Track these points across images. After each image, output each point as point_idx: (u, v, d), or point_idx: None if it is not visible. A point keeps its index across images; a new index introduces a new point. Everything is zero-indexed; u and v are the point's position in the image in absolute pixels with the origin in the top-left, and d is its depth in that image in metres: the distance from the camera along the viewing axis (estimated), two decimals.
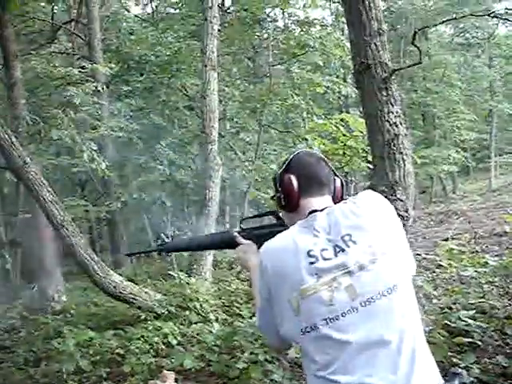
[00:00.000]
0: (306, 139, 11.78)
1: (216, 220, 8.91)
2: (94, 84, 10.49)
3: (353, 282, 1.69)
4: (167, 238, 2.45)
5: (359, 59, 4.33)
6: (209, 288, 7.75)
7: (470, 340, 4.60)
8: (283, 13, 17.04)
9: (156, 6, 20.15)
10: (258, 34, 15.89)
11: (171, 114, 14.46)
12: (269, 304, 1.83)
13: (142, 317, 6.66)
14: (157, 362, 5.61)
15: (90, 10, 14.41)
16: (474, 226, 13.08)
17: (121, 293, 6.90)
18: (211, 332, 6.32)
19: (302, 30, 15.11)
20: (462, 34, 26.28)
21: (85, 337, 6.22)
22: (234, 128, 14.79)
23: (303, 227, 1.81)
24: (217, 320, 6.86)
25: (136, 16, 19.68)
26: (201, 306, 7.04)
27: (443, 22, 10.35)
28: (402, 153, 4.19)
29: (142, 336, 6.06)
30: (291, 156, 2.03)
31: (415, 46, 5.86)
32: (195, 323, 6.71)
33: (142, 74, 14.64)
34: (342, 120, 8.96)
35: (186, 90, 14.29)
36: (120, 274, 7.57)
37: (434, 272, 8.03)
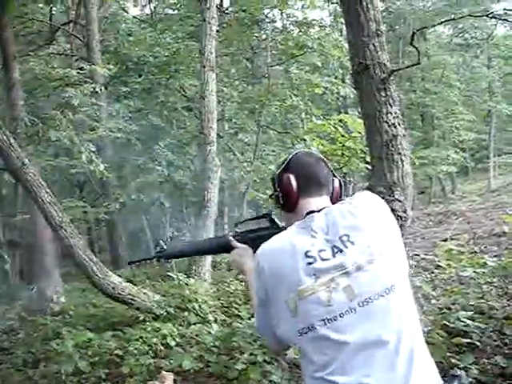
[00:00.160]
0: (305, 140, 11.78)
1: (215, 221, 8.90)
2: (93, 85, 10.49)
3: (351, 283, 1.69)
4: (165, 244, 2.45)
5: (357, 60, 4.33)
6: (208, 289, 7.75)
7: (469, 340, 4.61)
8: (282, 14, 17.03)
9: (154, 7, 20.14)
10: (256, 34, 15.89)
11: (170, 114, 14.46)
12: (266, 305, 1.83)
13: (141, 318, 6.65)
14: (155, 362, 5.60)
15: (88, 12, 14.42)
16: (472, 226, 13.11)
17: (119, 294, 6.89)
18: (210, 333, 6.32)
19: (300, 31, 15.11)
20: (460, 35, 26.28)
21: (83, 338, 6.21)
22: (232, 129, 14.79)
23: (301, 228, 1.81)
24: (216, 321, 6.86)
25: (134, 17, 19.68)
26: (200, 306, 7.03)
27: (442, 22, 10.36)
28: (400, 153, 4.19)
29: (141, 337, 6.06)
30: (290, 156, 2.04)
31: (414, 46, 5.86)
32: (194, 324, 6.70)
33: (140, 75, 14.65)
34: (340, 121, 8.97)
35: (184, 90, 14.29)
36: (119, 275, 7.55)
37: (432, 272, 8.04)
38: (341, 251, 1.72)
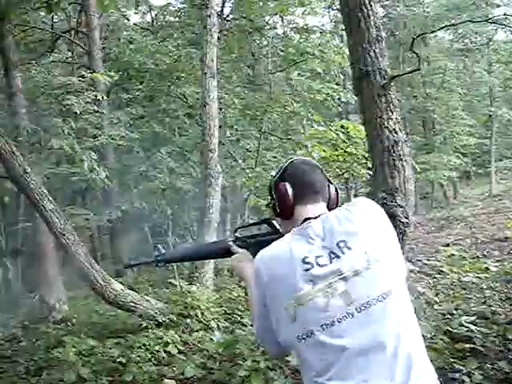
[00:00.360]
0: (306, 146, 11.79)
1: (217, 227, 8.90)
2: (94, 93, 10.52)
3: (348, 288, 1.70)
4: (163, 248, 2.45)
5: (358, 66, 4.34)
6: (210, 296, 7.73)
7: (472, 346, 4.60)
8: (282, 20, 17.07)
9: (155, 15, 20.18)
10: (257, 41, 15.91)
11: (171, 122, 14.45)
12: (265, 312, 1.83)
13: (144, 325, 6.65)
14: (158, 370, 5.60)
15: (89, 19, 14.44)
16: (474, 231, 13.10)
17: (122, 301, 6.89)
18: (212, 340, 6.32)
19: (301, 38, 15.13)
20: (460, 40, 26.30)
21: (86, 346, 6.22)
22: (234, 135, 14.80)
23: (298, 235, 1.82)
24: (218, 328, 6.86)
25: (135, 25, 19.73)
26: (202, 314, 7.03)
27: (442, 28, 10.39)
28: (401, 159, 4.19)
29: (144, 344, 6.06)
30: (286, 164, 2.06)
31: (414, 52, 5.88)
32: (197, 331, 6.71)
33: (141, 83, 14.67)
34: (342, 127, 8.98)
35: (185, 98, 14.29)
36: (121, 283, 7.55)
37: (435, 278, 8.02)
38: (338, 257, 1.74)
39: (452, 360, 4.34)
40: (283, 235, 1.91)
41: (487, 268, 7.82)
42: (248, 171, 12.65)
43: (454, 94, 24.10)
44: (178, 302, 7.17)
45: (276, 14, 15.41)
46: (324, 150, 9.12)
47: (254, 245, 2.24)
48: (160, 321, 6.75)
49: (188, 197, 13.46)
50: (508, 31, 21.65)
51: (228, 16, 16.23)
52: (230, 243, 2.35)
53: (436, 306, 6.11)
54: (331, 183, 2.06)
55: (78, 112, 10.22)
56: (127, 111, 13.22)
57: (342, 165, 9.18)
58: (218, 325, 6.95)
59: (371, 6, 4.30)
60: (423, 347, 1.75)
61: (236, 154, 14.15)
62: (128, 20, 19.92)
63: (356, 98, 4.92)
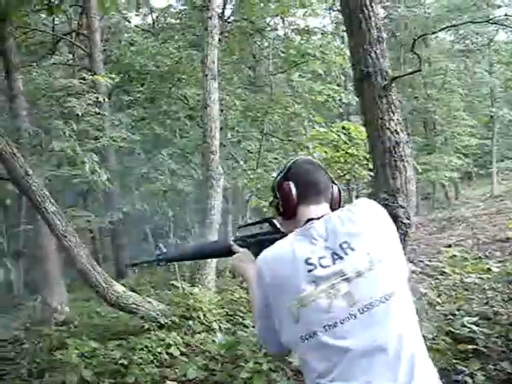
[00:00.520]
0: (308, 147, 11.80)
1: (218, 229, 8.90)
2: (96, 95, 10.53)
3: (350, 289, 1.69)
4: (165, 247, 2.45)
5: (359, 67, 4.34)
6: (212, 297, 7.74)
7: (475, 346, 4.60)
8: (283, 22, 17.08)
9: (156, 17, 20.20)
10: (258, 43, 15.93)
11: (172, 123, 14.47)
12: (267, 312, 1.83)
13: (146, 327, 6.65)
14: (160, 372, 5.60)
15: (90, 21, 14.46)
16: (476, 232, 13.09)
17: (124, 303, 6.89)
18: (214, 341, 6.32)
19: (302, 39, 15.14)
20: (461, 41, 26.28)
21: (88, 348, 6.22)
22: (235, 137, 14.80)
23: (301, 235, 1.82)
24: (220, 329, 6.86)
25: (136, 26, 19.76)
26: (204, 315, 7.03)
27: (443, 28, 10.40)
28: (403, 160, 4.19)
29: (146, 346, 6.06)
30: (290, 163, 2.05)
31: (415, 53, 5.89)
32: (199, 333, 6.71)
33: (142, 85, 14.69)
34: (343, 128, 8.98)
35: (186, 99, 14.31)
36: (123, 284, 7.56)
37: (437, 279, 8.01)
38: (341, 258, 1.73)
39: (454, 361, 4.34)
40: (284, 234, 1.91)
41: (489, 269, 7.81)
42: (249, 172, 12.66)
43: (455, 94, 24.09)
44: (179, 303, 7.17)
45: (277, 16, 15.43)
46: (325, 152, 9.11)
47: (255, 244, 2.24)
48: (162, 322, 6.75)
49: (189, 198, 13.47)
50: (509, 32, 21.66)
51: (229, 18, 16.22)
52: (231, 242, 2.34)
53: (438, 307, 6.10)
54: (335, 183, 2.05)
55: (80, 114, 10.23)
56: (128, 113, 13.25)
57: (344, 166, 9.17)
58: (219, 326, 6.95)
59: (372, 7, 4.30)
60: (425, 348, 1.75)
61: (237, 155, 14.17)
62: (129, 22, 19.95)
63: (357, 99, 4.92)
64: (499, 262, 8.74)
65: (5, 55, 9.83)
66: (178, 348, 6.14)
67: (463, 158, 22.91)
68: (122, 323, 7.49)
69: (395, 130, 4.21)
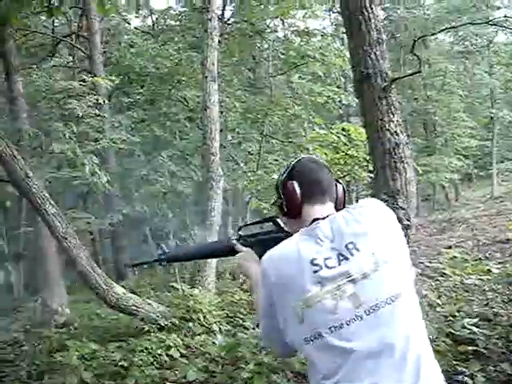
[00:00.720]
0: (308, 149, 11.80)
1: (218, 231, 8.90)
2: (96, 97, 10.54)
3: (356, 291, 1.69)
4: (166, 247, 2.44)
5: (359, 69, 4.34)
6: (212, 299, 7.73)
7: (475, 348, 4.60)
8: (283, 23, 17.07)
9: (156, 19, 20.20)
10: (258, 44, 15.94)
11: (172, 125, 14.47)
12: (272, 311, 1.82)
13: (146, 329, 6.64)
14: (161, 374, 5.60)
15: (90, 23, 14.47)
16: (476, 233, 13.08)
17: (124, 305, 6.88)
18: (215, 343, 6.32)
19: (301, 41, 15.15)
20: (461, 42, 26.28)
21: (88, 350, 6.22)
22: (235, 139, 14.81)
23: (306, 235, 1.81)
24: (220, 331, 6.85)
25: (136, 28, 19.75)
26: (204, 317, 7.02)
27: (442, 30, 10.40)
28: (403, 161, 4.19)
29: (146, 348, 6.05)
30: (294, 162, 2.04)
31: (415, 54, 5.90)
32: (199, 335, 6.70)
33: (142, 86, 14.70)
34: (343, 129, 8.98)
35: (186, 101, 14.31)
36: (123, 286, 7.55)
37: (437, 280, 8.01)
38: (346, 259, 1.72)
39: (455, 362, 4.34)
40: (288, 234, 1.90)
41: (489, 270, 7.81)
42: (249, 174, 12.66)
43: (454, 96, 24.08)
44: (179, 305, 7.16)
45: (277, 18, 15.41)
46: (325, 153, 9.12)
47: (259, 243, 2.23)
48: (162, 324, 6.74)
49: (189, 200, 13.47)
50: (508, 33, 21.67)
51: (229, 19, 16.25)
52: (234, 242, 2.33)
53: (438, 309, 6.10)
54: (339, 183, 2.05)
55: (80, 116, 10.24)
56: (128, 115, 13.24)
57: (343, 168, 9.18)
58: (220, 328, 6.94)
59: (372, 8, 4.31)
60: (431, 350, 1.74)
61: (237, 157, 14.17)
62: (129, 24, 19.92)
63: (357, 101, 4.93)
64: (499, 263, 8.74)
65: (5, 57, 9.84)
66: (178, 350, 6.14)
67: (463, 160, 22.92)
68: (122, 325, 7.49)
69: (395, 132, 4.22)
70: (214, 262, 8.67)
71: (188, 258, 2.75)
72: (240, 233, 2.38)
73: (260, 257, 1.93)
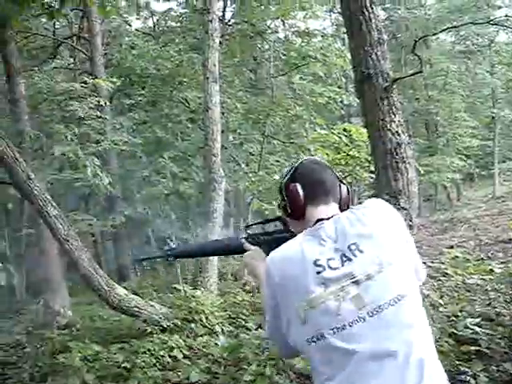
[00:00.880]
0: (309, 149, 11.80)
1: (220, 232, 8.90)
2: (97, 98, 10.55)
3: (360, 292, 1.68)
4: (174, 244, 2.44)
5: (360, 69, 4.34)
6: (214, 300, 7.73)
7: (477, 348, 4.59)
8: (284, 24, 17.08)
9: (157, 20, 20.23)
10: (259, 45, 15.95)
11: (174, 126, 14.48)
12: (276, 312, 1.82)
13: (148, 330, 6.64)
14: (163, 375, 5.60)
15: (91, 25, 14.49)
16: (478, 233, 13.07)
17: (126, 306, 6.88)
18: (217, 344, 6.31)
19: (302, 41, 15.16)
20: (462, 42, 26.27)
21: (91, 351, 6.21)
22: (236, 140, 14.81)
23: (310, 236, 1.80)
24: (223, 332, 6.85)
25: (137, 30, 19.77)
26: (207, 318, 7.02)
27: (444, 30, 10.40)
28: (404, 161, 4.19)
29: (148, 349, 6.05)
30: (297, 164, 2.03)
31: (416, 54, 5.89)
32: (201, 336, 6.70)
33: (143, 88, 14.70)
34: (344, 130, 8.98)
35: (188, 102, 14.32)
36: (125, 288, 7.55)
37: (439, 280, 7.99)
38: (349, 260, 1.72)
39: (457, 362, 4.33)
40: (294, 234, 1.89)
41: (492, 270, 7.79)
42: (251, 175, 12.66)
43: (456, 96, 24.07)
44: (182, 306, 7.16)
45: (277, 18, 15.42)
46: (327, 154, 9.11)
47: (267, 242, 2.22)
48: (164, 326, 6.75)
49: (191, 201, 13.48)
50: (510, 32, 21.67)
51: (230, 20, 16.26)
52: (243, 240, 2.32)
53: (441, 309, 6.09)
54: (343, 183, 2.03)
55: (81, 118, 10.25)
56: (130, 116, 13.26)
57: (345, 168, 9.17)
58: (222, 329, 6.94)
59: (372, 9, 4.31)
60: (435, 352, 1.73)
61: (239, 158, 14.18)
62: (130, 25, 19.96)
63: (358, 101, 4.93)
64: (502, 262, 8.73)
65: (6, 59, 9.85)
66: (180, 351, 6.14)
67: (465, 160, 22.90)
68: (124, 326, 7.49)
69: (396, 132, 4.22)
70: (216, 262, 8.69)
71: (195, 254, 2.74)
72: (248, 231, 2.38)
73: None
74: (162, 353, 6.03)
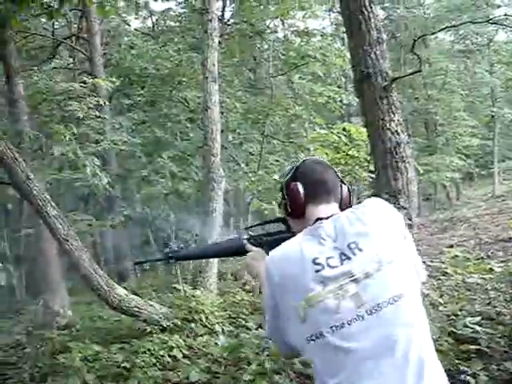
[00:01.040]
0: (309, 149, 11.80)
1: (220, 232, 8.90)
2: (96, 98, 10.55)
3: (358, 290, 1.68)
4: (174, 244, 2.43)
5: (359, 68, 4.34)
6: (214, 300, 7.73)
7: (477, 347, 4.58)
8: (283, 24, 17.08)
9: (156, 20, 20.22)
10: (258, 45, 15.95)
11: (173, 126, 14.48)
12: (276, 311, 1.82)
13: (148, 330, 6.64)
14: (163, 375, 5.59)
15: (90, 25, 14.48)
16: (478, 232, 13.07)
17: (126, 306, 6.87)
18: (217, 344, 6.31)
19: (302, 41, 15.16)
20: (461, 41, 26.26)
21: (91, 351, 6.21)
22: (236, 139, 14.82)
23: (309, 235, 1.80)
24: (223, 332, 6.85)
25: (136, 30, 19.76)
26: (206, 318, 7.02)
27: (443, 29, 10.39)
28: (404, 161, 4.19)
29: (148, 349, 6.05)
30: (298, 163, 2.04)
31: (415, 53, 5.89)
32: (201, 335, 6.70)
33: (143, 88, 14.71)
34: (344, 129, 8.98)
35: (187, 102, 14.32)
36: (125, 288, 7.54)
37: (439, 279, 7.99)
38: (349, 258, 1.72)
39: (457, 361, 4.33)
40: (295, 234, 1.90)
41: (491, 269, 7.79)
42: (251, 175, 12.67)
43: (455, 95, 24.07)
44: (182, 306, 7.16)
45: (277, 18, 15.44)
46: (326, 153, 9.11)
47: (269, 243, 2.21)
48: (164, 325, 6.74)
49: (191, 201, 13.48)
50: (509, 31, 21.66)
51: (229, 20, 16.27)
52: (245, 241, 2.32)
53: (441, 308, 6.09)
54: (344, 183, 2.04)
55: (80, 118, 10.25)
56: (129, 116, 13.26)
57: (344, 168, 9.16)
58: (222, 329, 6.94)
59: (372, 8, 4.31)
60: (434, 351, 1.73)
61: (238, 157, 14.18)
62: (129, 25, 19.96)
63: (358, 100, 4.93)
64: (501, 261, 8.73)
65: (5, 60, 9.85)
66: (180, 351, 6.14)
67: (464, 159, 22.91)
68: (124, 326, 7.49)
69: (396, 131, 4.22)
70: (215, 262, 8.68)
71: (199, 256, 2.73)
72: (250, 232, 2.38)
73: None
74: (161, 352, 6.02)
